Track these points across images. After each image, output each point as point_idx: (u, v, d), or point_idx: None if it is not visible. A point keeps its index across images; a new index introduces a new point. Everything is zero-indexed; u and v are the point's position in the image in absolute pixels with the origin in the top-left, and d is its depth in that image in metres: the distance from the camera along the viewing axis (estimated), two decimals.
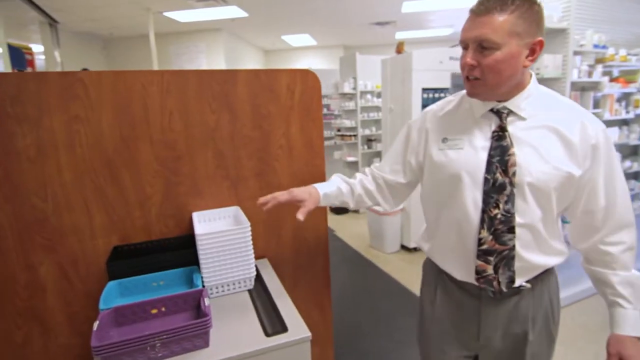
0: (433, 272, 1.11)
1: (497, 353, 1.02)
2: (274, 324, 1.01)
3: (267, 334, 0.96)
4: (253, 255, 1.16)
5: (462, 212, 0.95)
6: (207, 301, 0.96)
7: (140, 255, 1.22)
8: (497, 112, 0.94)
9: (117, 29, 6.50)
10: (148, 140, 1.22)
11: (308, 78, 1.37)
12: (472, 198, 0.94)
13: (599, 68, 2.42)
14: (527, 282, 0.97)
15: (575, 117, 0.91)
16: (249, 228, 1.14)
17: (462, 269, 1.00)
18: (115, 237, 1.24)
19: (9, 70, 3.22)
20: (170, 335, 0.86)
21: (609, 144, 0.93)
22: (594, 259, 1.00)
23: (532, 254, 0.94)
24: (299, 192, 1.09)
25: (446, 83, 3.53)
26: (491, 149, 0.92)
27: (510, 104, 0.93)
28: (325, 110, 6.60)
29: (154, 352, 0.86)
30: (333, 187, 1.15)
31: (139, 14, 5.48)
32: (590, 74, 2.39)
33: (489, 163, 0.92)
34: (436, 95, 3.40)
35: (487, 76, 0.88)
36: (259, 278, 1.26)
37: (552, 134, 0.91)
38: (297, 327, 0.98)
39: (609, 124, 2.60)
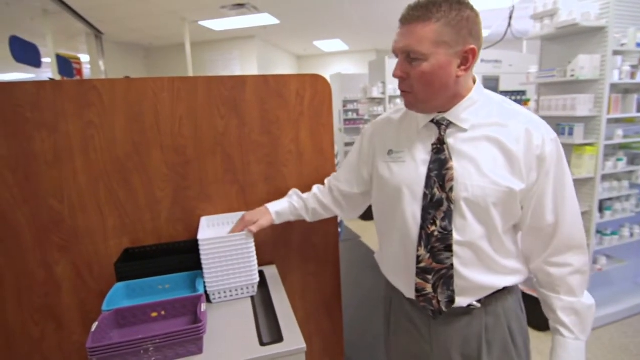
0: (388, 288, 1.08)
1: None
2: (271, 333, 0.99)
3: (262, 343, 0.94)
4: (256, 262, 1.15)
5: (403, 228, 0.91)
6: (203, 307, 0.96)
7: (150, 258, 1.25)
8: (437, 124, 0.88)
9: (156, 38, 6.81)
10: (158, 145, 1.25)
11: (318, 83, 1.36)
12: (412, 213, 0.89)
13: None
14: (479, 301, 0.90)
15: (520, 125, 0.84)
16: (252, 234, 1.13)
17: (407, 287, 0.95)
18: (127, 239, 1.27)
19: (57, 78, 3.45)
20: (163, 339, 0.86)
21: (559, 155, 0.84)
22: (541, 280, 0.93)
23: (475, 273, 0.87)
24: (250, 216, 1.15)
25: None
26: (430, 162, 0.87)
27: (449, 115, 0.87)
28: (354, 115, 6.57)
29: (147, 356, 0.87)
30: (285, 204, 1.19)
31: (176, 24, 5.71)
32: (633, 75, 2.21)
33: (428, 177, 0.87)
34: None
35: (416, 89, 0.83)
36: (264, 285, 1.25)
37: (493, 145, 0.84)
38: (294, 338, 0.96)
39: None
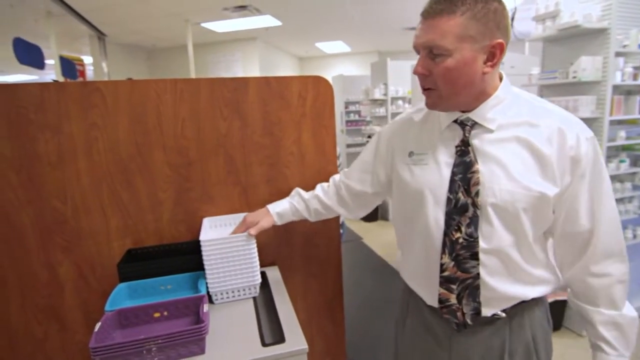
0: (406, 291, 1.04)
1: None
2: (273, 333, 1.00)
3: (264, 344, 0.94)
4: (258, 263, 1.16)
5: (425, 234, 0.87)
6: (205, 307, 0.97)
7: (152, 259, 1.25)
8: (461, 124, 0.84)
9: (159, 40, 6.84)
10: (161, 146, 1.25)
11: (320, 85, 1.36)
12: (435, 219, 0.85)
13: None
14: (504, 311, 0.86)
15: (553, 124, 0.78)
16: (252, 237, 1.13)
17: (429, 294, 0.91)
18: (129, 240, 1.28)
19: (61, 79, 3.47)
20: (165, 339, 0.87)
21: (595, 156, 0.79)
22: (577, 291, 0.88)
23: (502, 283, 0.83)
24: (252, 217, 1.15)
25: None
26: (454, 165, 0.83)
27: (474, 115, 0.82)
28: (356, 117, 6.57)
29: (150, 356, 0.87)
30: (286, 205, 1.18)
31: (179, 25, 5.74)
32: (636, 77, 2.21)
33: (452, 181, 0.82)
34: None
35: (440, 86, 0.79)
36: (266, 286, 1.25)
37: (522, 147, 0.79)
38: (295, 339, 0.96)
39: None
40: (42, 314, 1.24)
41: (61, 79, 3.48)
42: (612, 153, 2.40)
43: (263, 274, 1.29)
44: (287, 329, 1.00)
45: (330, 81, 1.38)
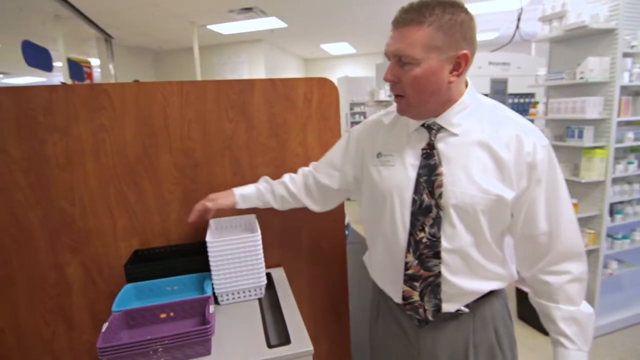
0: (375, 290, 1.07)
1: None
2: (278, 335, 1.00)
3: (270, 346, 0.95)
4: (263, 264, 1.16)
5: (391, 233, 0.90)
6: (211, 309, 0.97)
7: (158, 259, 1.26)
8: (428, 128, 0.87)
9: (166, 42, 6.89)
10: (168, 148, 1.26)
11: (325, 87, 1.36)
12: (401, 219, 0.88)
13: None
14: (467, 306, 0.89)
15: (512, 131, 0.82)
16: (259, 236, 1.13)
17: (395, 292, 0.94)
18: (136, 241, 1.29)
19: (69, 82, 3.51)
20: (171, 340, 0.87)
21: (551, 163, 0.83)
22: (537, 289, 0.91)
23: (462, 279, 0.86)
24: (214, 195, 1.18)
25: (485, 89, 3.39)
26: (420, 167, 0.86)
27: (440, 119, 0.86)
28: (361, 118, 6.58)
29: (156, 357, 0.88)
30: (252, 188, 1.20)
31: (185, 27, 5.78)
32: None
33: (417, 183, 0.86)
34: None
35: (408, 93, 0.82)
36: (271, 287, 1.25)
37: (483, 151, 0.82)
38: (301, 340, 0.96)
39: None
40: (50, 314, 1.25)
41: (69, 82, 3.52)
42: (620, 154, 2.38)
43: (268, 275, 1.30)
44: (292, 330, 1.00)
45: (336, 82, 1.39)
